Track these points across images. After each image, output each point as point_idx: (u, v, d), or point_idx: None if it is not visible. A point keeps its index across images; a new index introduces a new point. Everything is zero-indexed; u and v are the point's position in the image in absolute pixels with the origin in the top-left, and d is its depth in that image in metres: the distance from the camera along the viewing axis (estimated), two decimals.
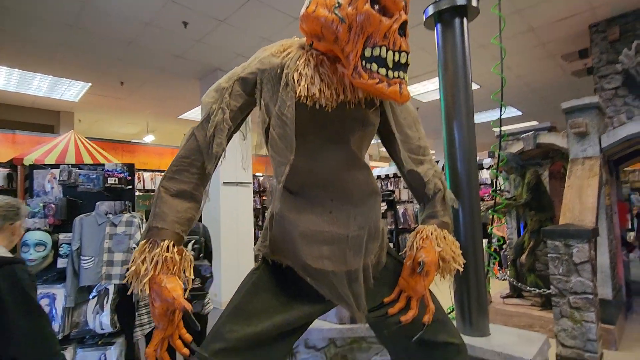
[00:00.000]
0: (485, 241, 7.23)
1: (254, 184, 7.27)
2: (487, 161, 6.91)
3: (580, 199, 3.03)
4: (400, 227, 6.08)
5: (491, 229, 5.73)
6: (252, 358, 0.91)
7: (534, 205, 4.02)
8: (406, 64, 0.91)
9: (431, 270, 1.01)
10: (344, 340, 1.77)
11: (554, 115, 4.70)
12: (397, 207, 6.25)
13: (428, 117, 7.36)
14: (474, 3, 1.58)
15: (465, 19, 1.61)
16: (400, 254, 1.17)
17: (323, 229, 1.00)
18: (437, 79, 1.89)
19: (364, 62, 0.88)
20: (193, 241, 2.12)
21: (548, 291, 3.24)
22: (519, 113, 8.41)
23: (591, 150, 3.37)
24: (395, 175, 8.80)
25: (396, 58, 0.88)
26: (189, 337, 0.90)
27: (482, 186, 8.18)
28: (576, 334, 2.52)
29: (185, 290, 0.89)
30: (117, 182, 2.38)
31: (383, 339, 1.17)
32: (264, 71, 0.98)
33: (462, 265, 1.07)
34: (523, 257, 4.06)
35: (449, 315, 1.71)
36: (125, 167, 2.50)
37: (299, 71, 0.96)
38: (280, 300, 1.00)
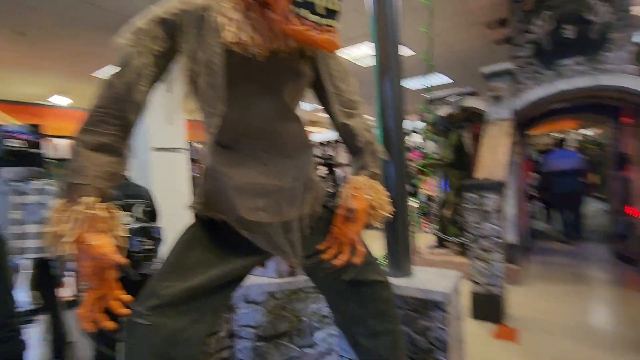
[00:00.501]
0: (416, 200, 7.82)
1: (191, 152, 6.88)
2: (418, 124, 7.31)
3: (493, 155, 3.40)
4: (339, 189, 6.29)
5: (415, 190, 6.20)
6: (188, 311, 0.91)
7: (457, 164, 4.42)
8: (336, 12, 0.89)
9: (361, 216, 1.08)
10: (283, 293, 1.84)
11: (481, 82, 5.07)
12: (337, 170, 6.44)
13: (368, 82, 7.48)
14: None
15: None
16: (333, 204, 1.23)
17: (257, 181, 1.00)
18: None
19: (294, 7, 0.86)
20: (144, 205, 2.00)
21: (465, 240, 3.66)
22: (450, 80, 8.92)
23: (504, 112, 3.75)
24: (336, 141, 8.95)
25: (325, 3, 0.87)
26: (127, 297, 0.87)
27: (415, 149, 8.78)
28: (486, 273, 2.92)
29: (120, 250, 0.84)
30: (21, 145, 2.09)
31: (318, 284, 1.24)
32: (186, 12, 0.91)
33: (390, 213, 1.15)
34: (446, 212, 4.51)
35: (381, 262, 1.87)
36: (32, 128, 2.20)
37: (226, 15, 0.91)
38: (216, 254, 1.01)
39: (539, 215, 6.77)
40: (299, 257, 1.05)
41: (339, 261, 1.06)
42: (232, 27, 0.91)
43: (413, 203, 8.10)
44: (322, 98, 1.17)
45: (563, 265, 4.43)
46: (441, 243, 4.79)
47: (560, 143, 6.01)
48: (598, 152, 7.98)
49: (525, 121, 4.99)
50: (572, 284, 3.75)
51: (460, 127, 4.77)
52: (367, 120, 1.26)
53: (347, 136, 1.18)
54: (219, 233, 1.03)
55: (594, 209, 7.55)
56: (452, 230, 4.57)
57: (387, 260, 1.77)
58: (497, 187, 2.87)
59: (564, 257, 4.81)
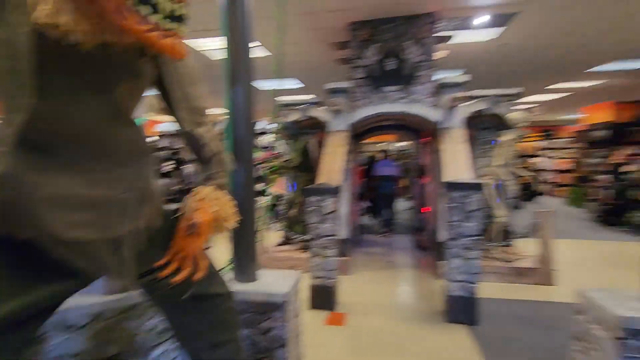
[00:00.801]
0: (267, 199, 8.06)
1: None
2: (270, 126, 7.57)
3: (333, 163, 3.86)
4: (186, 187, 5.92)
5: (264, 189, 6.45)
6: None
7: (302, 167, 4.80)
8: (183, 17, 0.85)
9: (205, 230, 1.06)
10: (112, 312, 1.62)
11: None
12: (184, 166, 6.01)
13: (220, 76, 7.25)
14: None
15: None
16: (176, 215, 1.16)
17: (78, 191, 0.86)
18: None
19: (133, 2, 0.77)
20: None
21: (308, 237, 4.02)
22: (302, 85, 9.54)
23: (342, 125, 4.30)
24: None
25: (170, 7, 0.81)
26: None
27: (266, 149, 9.07)
28: (323, 267, 3.29)
29: None
30: None
31: (156, 301, 1.16)
32: None
33: (236, 224, 1.17)
34: (293, 211, 4.83)
35: (228, 269, 1.87)
36: None
37: None
38: (16, 282, 0.81)
39: (366, 213, 8.03)
40: (131, 276, 0.96)
41: (179, 277, 1.01)
42: (47, 5, 0.75)
43: (264, 201, 8.36)
44: (167, 102, 1.09)
45: (381, 254, 5.40)
46: (287, 240, 5.10)
47: (384, 154, 7.28)
48: (409, 162, 10.03)
49: (358, 132, 5.84)
50: (386, 270, 4.62)
51: (307, 134, 5.20)
52: (215, 128, 1.25)
53: (194, 145, 1.14)
54: (21, 254, 0.83)
55: (404, 207, 9.45)
56: (297, 229, 4.93)
57: (233, 266, 1.78)
58: (333, 191, 3.28)
59: (382, 247, 5.86)
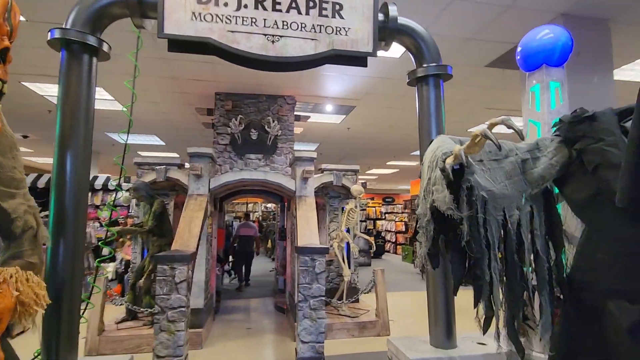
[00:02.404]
0: (112, 265, 6.96)
1: None
2: (122, 184, 6.91)
3: (190, 228, 3.75)
4: None
5: (111, 253, 5.67)
6: None
7: (157, 231, 4.45)
8: (1, 93, 0.88)
9: (3, 318, 0.95)
10: None
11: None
12: None
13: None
14: (105, 49, 1.70)
15: (95, 58, 1.68)
16: None
17: None
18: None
19: None
20: None
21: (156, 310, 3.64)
22: (163, 143, 9.13)
23: (203, 189, 4.29)
24: None
25: None
26: None
27: (118, 208, 8.07)
28: (169, 344, 3.01)
29: None
30: None
31: None
32: None
33: (45, 307, 1.08)
34: (141, 281, 4.33)
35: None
36: None
37: None
38: None
39: (225, 274, 7.81)
40: None
41: None
42: None
43: (109, 268, 7.18)
44: None
45: (240, 321, 5.22)
46: (131, 314, 4.46)
47: (247, 216, 7.48)
48: (272, 224, 10.37)
49: (222, 195, 5.86)
50: (244, 338, 4.47)
51: (164, 195, 4.93)
52: (32, 201, 1.18)
53: (1, 219, 1.05)
54: None
55: (267, 268, 9.51)
56: (146, 300, 4.39)
57: (42, 357, 1.52)
58: (187, 259, 3.16)
59: (242, 313, 5.68)
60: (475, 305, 1.17)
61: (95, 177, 8.03)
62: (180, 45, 1.76)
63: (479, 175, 1.25)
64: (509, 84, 5.11)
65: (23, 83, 4.97)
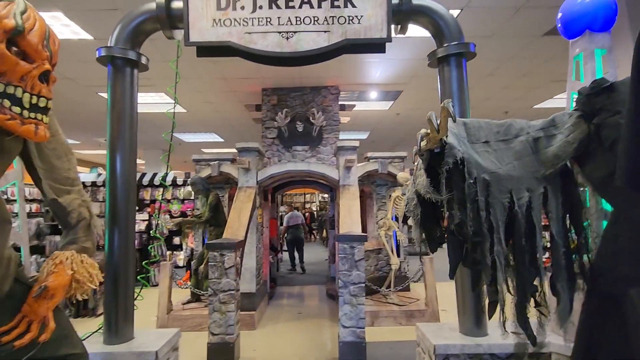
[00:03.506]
0: (182, 253, 7.73)
1: None
2: (180, 179, 7.66)
3: (239, 218, 4.04)
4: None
5: (181, 243, 6.31)
6: None
7: (213, 222, 4.86)
8: (45, 108, 1.07)
9: (57, 293, 1.17)
10: None
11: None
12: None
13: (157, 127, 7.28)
14: (144, 61, 1.93)
15: (136, 70, 1.92)
16: (31, 279, 1.25)
17: None
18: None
19: None
20: None
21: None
22: (222, 140, 9.79)
23: (251, 181, 4.57)
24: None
25: (34, 101, 1.03)
26: None
27: (186, 201, 8.92)
28: (221, 323, 3.32)
29: None
30: None
31: None
32: None
33: (98, 284, 1.29)
34: (202, 267, 4.78)
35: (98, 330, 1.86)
36: None
37: None
38: None
39: (280, 263, 8.28)
40: None
41: (21, 342, 1.09)
42: None
43: (180, 256, 8.00)
44: (33, 173, 1.24)
45: (292, 306, 5.49)
46: (196, 297, 4.96)
47: (291, 206, 8.17)
48: (325, 214, 10.56)
49: (274, 187, 6.16)
50: (294, 321, 4.72)
51: (219, 188, 5.35)
52: (85, 196, 1.41)
53: (59, 212, 1.28)
54: None
55: (323, 257, 9.76)
56: (206, 284, 4.84)
57: (104, 327, 1.82)
58: (232, 246, 3.42)
59: (294, 298, 5.96)
60: (473, 289, 1.14)
61: (166, 174, 8.94)
62: (205, 50, 1.93)
63: (483, 156, 1.20)
64: None
65: (99, 94, 5.71)
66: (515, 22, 3.89)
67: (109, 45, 1.86)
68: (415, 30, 4.13)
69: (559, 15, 2.10)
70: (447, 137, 0.95)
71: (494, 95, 6.27)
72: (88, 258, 1.31)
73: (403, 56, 4.73)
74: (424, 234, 1.16)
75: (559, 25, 2.10)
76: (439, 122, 0.88)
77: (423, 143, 0.98)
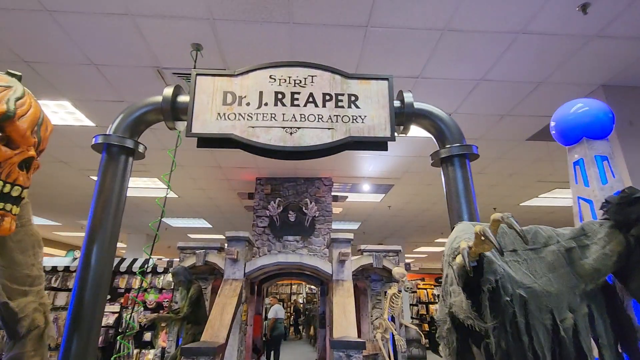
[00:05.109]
0: (152, 352, 6.83)
1: None
2: (160, 267, 7.23)
3: (222, 316, 3.63)
4: None
5: (153, 340, 5.57)
6: None
7: (192, 318, 4.35)
8: (18, 197, 0.94)
9: None
10: None
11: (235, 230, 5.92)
12: None
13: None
14: (141, 149, 1.87)
15: (131, 158, 1.84)
16: None
17: None
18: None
19: None
20: None
21: None
22: (210, 226, 9.54)
23: (239, 273, 4.25)
24: None
25: (6, 189, 0.92)
26: None
27: (164, 291, 8.22)
28: None
29: None
30: None
31: None
32: None
33: None
34: None
35: None
36: None
37: None
38: None
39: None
40: None
41: None
42: None
43: (148, 355, 7.02)
44: None
45: None
46: None
47: (276, 298, 7.82)
48: (313, 308, 9.81)
49: (262, 278, 5.76)
50: None
51: (203, 279, 4.95)
52: (45, 299, 1.18)
53: (7, 318, 1.05)
54: None
55: (310, 359, 8.73)
56: None
57: None
58: (213, 352, 2.98)
59: None
60: None
61: (147, 260, 8.43)
62: (206, 141, 1.90)
63: (513, 268, 1.06)
64: (555, 156, 4.82)
65: (92, 177, 5.64)
66: (500, 128, 4.16)
67: (106, 133, 1.81)
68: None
69: (552, 124, 2.18)
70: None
71: (483, 192, 6.42)
72: None
73: (395, 153, 4.91)
74: None
75: (554, 132, 2.17)
76: (482, 239, 0.76)
77: (459, 258, 0.85)
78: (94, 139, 1.80)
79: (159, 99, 1.89)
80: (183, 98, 1.92)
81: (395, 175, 5.70)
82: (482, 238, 0.73)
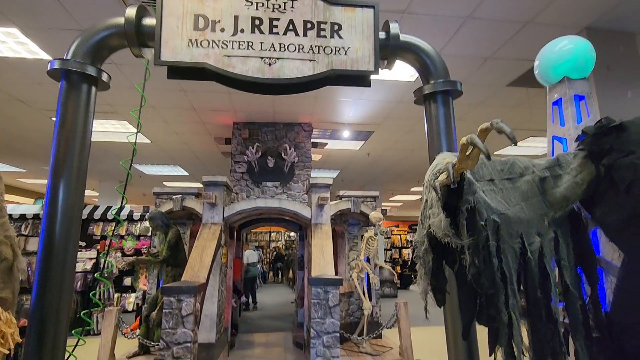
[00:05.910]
0: (133, 295, 6.98)
1: None
2: (137, 214, 7.13)
3: (201, 258, 3.68)
4: None
5: (133, 284, 5.68)
6: None
7: (171, 261, 4.40)
8: None
9: None
10: None
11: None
12: None
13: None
14: (105, 78, 1.71)
15: (94, 88, 1.69)
16: None
17: None
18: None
19: None
20: None
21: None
22: (186, 173, 9.36)
23: (217, 217, 4.26)
24: None
25: None
26: None
27: (142, 237, 8.22)
28: None
29: None
30: None
31: None
32: None
33: (11, 347, 0.99)
34: (154, 313, 4.24)
35: None
36: None
37: None
38: None
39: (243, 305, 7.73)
40: None
41: None
42: None
43: (130, 299, 7.20)
44: None
45: (256, 357, 4.98)
46: (145, 349, 4.36)
47: (248, 244, 9.00)
48: (293, 253, 10.17)
49: (241, 224, 5.82)
50: None
51: (181, 224, 4.94)
52: (10, 231, 1.12)
53: None
54: None
55: (289, 299, 9.23)
56: (157, 333, 4.28)
57: None
58: (194, 290, 3.05)
59: (259, 347, 5.44)
60: (491, 352, 0.97)
61: (122, 208, 8.29)
62: (178, 71, 1.75)
63: (489, 196, 1.09)
64: (534, 102, 4.87)
65: (54, 119, 5.28)
66: (483, 72, 4.11)
67: (64, 58, 1.64)
68: (390, 74, 4.27)
69: (536, 62, 2.15)
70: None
71: (460, 139, 6.52)
72: (4, 312, 1.01)
73: (376, 98, 4.82)
74: (433, 284, 1.00)
75: (537, 71, 2.15)
76: (468, 151, 0.75)
77: (442, 176, 0.84)
78: (49, 64, 1.63)
79: (121, 20, 1.70)
80: (149, 21, 1.73)
81: (376, 120, 5.66)
82: (469, 148, 0.72)
